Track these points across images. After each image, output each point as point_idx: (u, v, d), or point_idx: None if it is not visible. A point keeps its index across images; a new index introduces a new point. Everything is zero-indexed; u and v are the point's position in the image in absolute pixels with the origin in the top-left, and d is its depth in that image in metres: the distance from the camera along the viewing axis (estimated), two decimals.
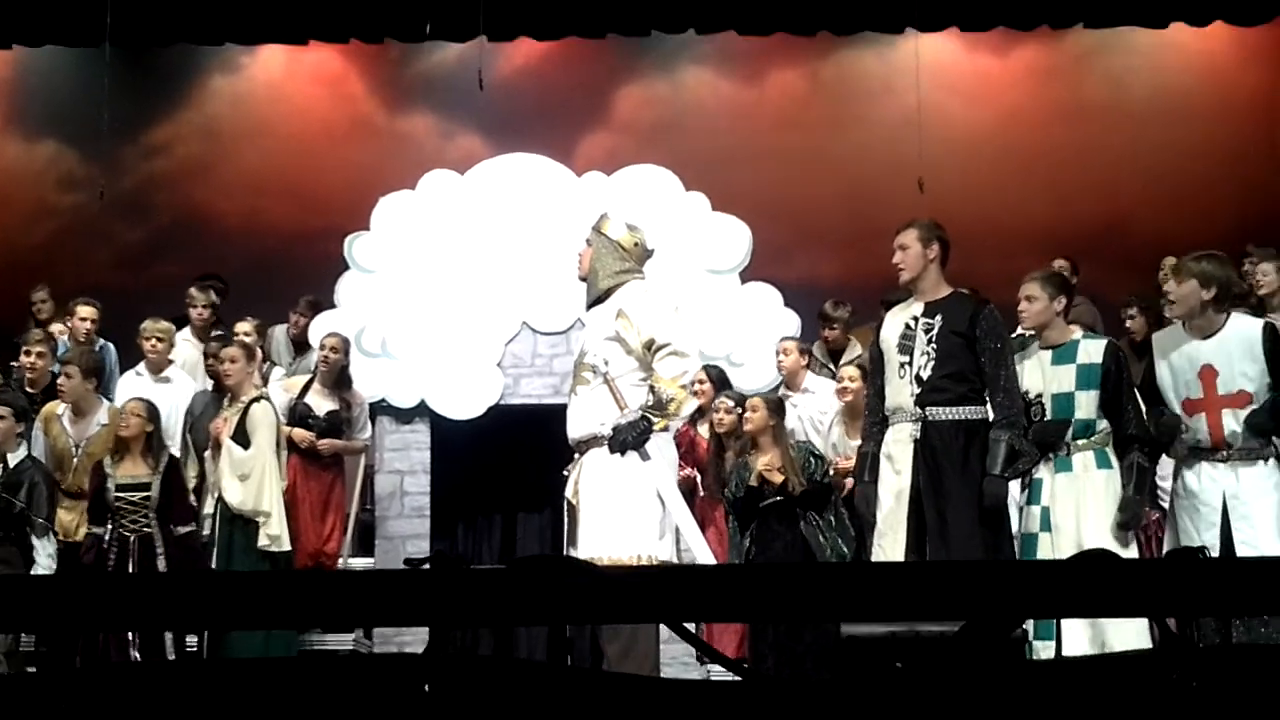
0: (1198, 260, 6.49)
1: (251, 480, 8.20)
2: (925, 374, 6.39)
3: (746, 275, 9.92)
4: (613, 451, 6.36)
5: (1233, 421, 6.35)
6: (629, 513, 6.31)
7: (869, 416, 6.71)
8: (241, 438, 8.26)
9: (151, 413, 8.20)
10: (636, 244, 6.69)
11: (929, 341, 6.43)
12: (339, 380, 9.10)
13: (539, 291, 9.70)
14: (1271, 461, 6.39)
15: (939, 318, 6.47)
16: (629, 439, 6.34)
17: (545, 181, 10.01)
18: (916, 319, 6.50)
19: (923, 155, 11.40)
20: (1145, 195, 12.44)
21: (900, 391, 6.44)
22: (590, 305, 6.71)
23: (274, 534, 8.17)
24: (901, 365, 6.45)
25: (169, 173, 13.04)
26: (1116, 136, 12.62)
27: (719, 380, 8.78)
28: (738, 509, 7.79)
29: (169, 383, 9.23)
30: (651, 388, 6.40)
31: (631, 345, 6.43)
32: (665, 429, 6.51)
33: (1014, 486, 6.70)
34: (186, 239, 12.63)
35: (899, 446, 6.42)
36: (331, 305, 9.87)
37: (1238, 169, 12.46)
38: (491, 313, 9.76)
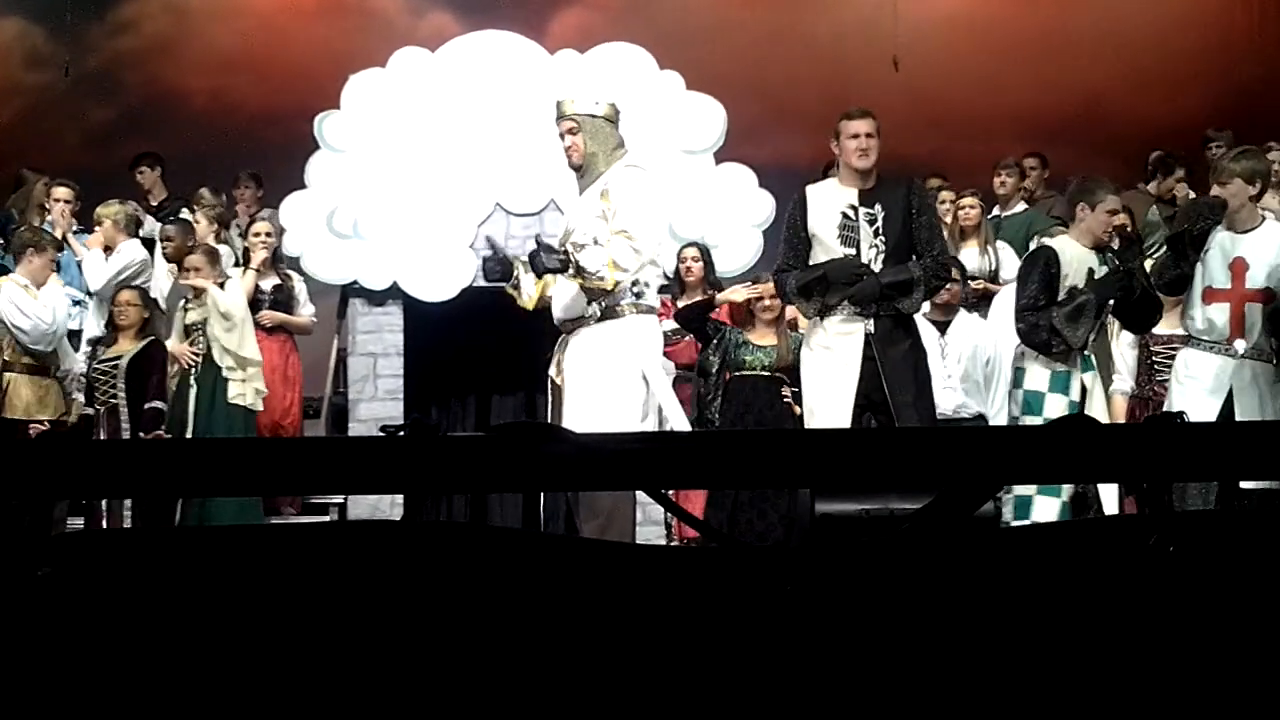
0: (1237, 160, 6.71)
1: (235, 323, 8.41)
2: (877, 267, 6.38)
3: (721, 155, 9.85)
4: (489, 268, 6.57)
5: (1253, 315, 6.49)
6: (613, 392, 6.30)
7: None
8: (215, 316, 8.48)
9: (145, 299, 8.39)
10: (613, 108, 6.61)
11: (875, 234, 6.39)
12: (274, 258, 9.31)
13: (512, 172, 9.61)
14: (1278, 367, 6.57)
15: (879, 207, 6.43)
16: (544, 263, 6.38)
17: (518, 59, 9.88)
18: (855, 208, 6.44)
19: (898, 34, 11.32)
20: (1121, 77, 12.38)
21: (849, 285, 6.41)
22: (584, 190, 6.60)
23: (261, 389, 8.36)
24: (847, 258, 6.40)
25: (136, 51, 12.85)
26: (1093, 17, 12.54)
27: (710, 262, 8.86)
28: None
29: (119, 254, 9.35)
30: (594, 253, 6.30)
31: (609, 222, 6.38)
32: (598, 292, 6.36)
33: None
34: (155, 118, 12.46)
35: (846, 339, 6.38)
36: (301, 186, 9.78)
37: (1215, 50, 12.40)
38: (464, 193, 9.68)
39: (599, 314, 6.36)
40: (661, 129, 9.52)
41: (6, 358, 8.37)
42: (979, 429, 6.14)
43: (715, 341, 8.04)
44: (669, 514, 7.76)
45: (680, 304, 8.56)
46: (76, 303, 9.09)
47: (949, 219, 9.35)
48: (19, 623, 2.10)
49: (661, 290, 7.51)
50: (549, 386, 6.64)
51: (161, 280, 9.37)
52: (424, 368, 9.83)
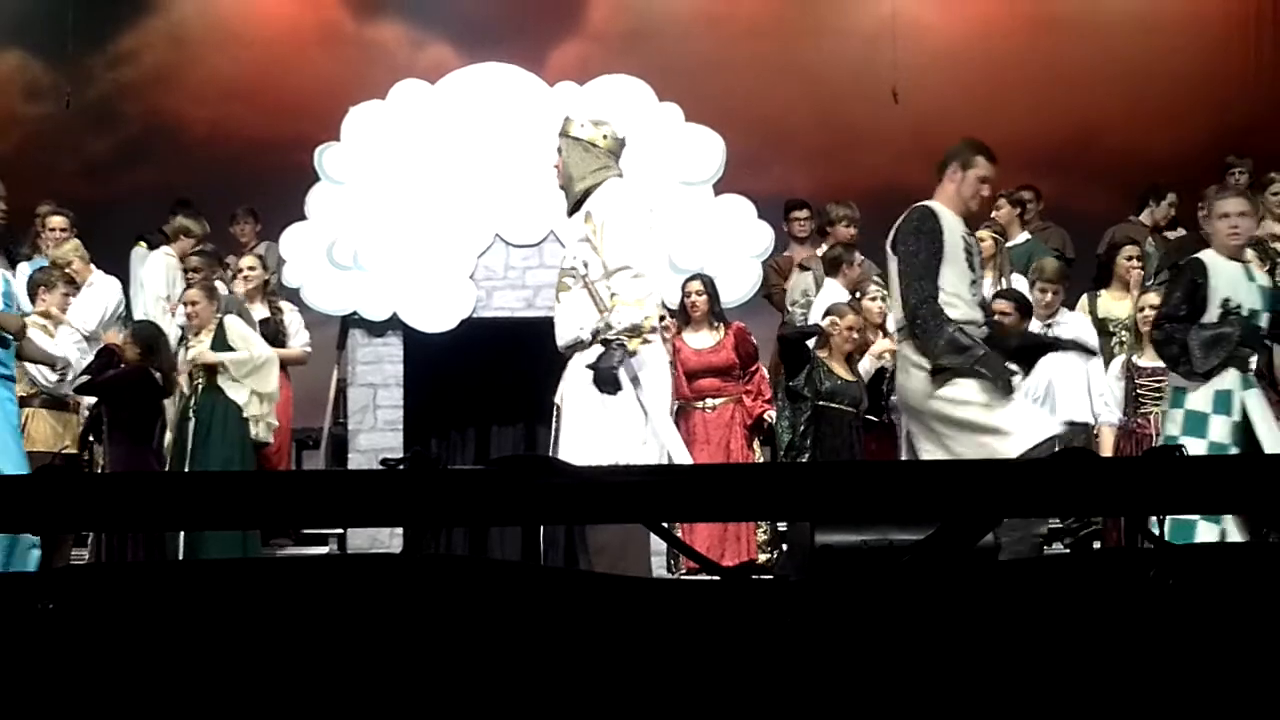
0: None
1: (270, 368, 8.49)
2: (984, 296, 6.42)
3: (720, 187, 9.87)
4: (603, 389, 6.28)
5: None
6: (611, 418, 6.28)
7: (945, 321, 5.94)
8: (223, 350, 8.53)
9: (136, 339, 8.40)
10: (605, 137, 6.57)
11: (979, 266, 6.32)
12: (263, 291, 9.43)
13: (511, 203, 9.62)
14: None
15: (972, 240, 6.37)
16: (614, 365, 6.29)
17: (517, 92, 9.90)
18: (970, 239, 6.28)
19: (897, 65, 11.34)
20: (1118, 106, 12.42)
21: (974, 311, 6.08)
22: (571, 212, 6.63)
23: (273, 423, 8.49)
24: (973, 284, 6.18)
25: (136, 81, 12.89)
26: (1090, 46, 12.57)
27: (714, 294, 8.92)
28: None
29: (92, 286, 9.45)
30: (617, 309, 6.32)
31: (599, 249, 6.39)
32: (645, 343, 6.44)
33: None
34: (154, 149, 12.52)
35: None
36: (301, 217, 9.80)
37: (1211, 79, 12.44)
38: (464, 225, 9.69)
39: (594, 339, 6.35)
40: (660, 161, 9.53)
41: (25, 393, 8.40)
42: (977, 462, 6.06)
43: (807, 371, 8.18)
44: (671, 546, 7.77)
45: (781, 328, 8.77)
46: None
47: None
48: (21, 657, 2.10)
49: (661, 320, 7.52)
50: (554, 411, 6.63)
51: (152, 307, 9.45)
52: (424, 398, 9.83)
